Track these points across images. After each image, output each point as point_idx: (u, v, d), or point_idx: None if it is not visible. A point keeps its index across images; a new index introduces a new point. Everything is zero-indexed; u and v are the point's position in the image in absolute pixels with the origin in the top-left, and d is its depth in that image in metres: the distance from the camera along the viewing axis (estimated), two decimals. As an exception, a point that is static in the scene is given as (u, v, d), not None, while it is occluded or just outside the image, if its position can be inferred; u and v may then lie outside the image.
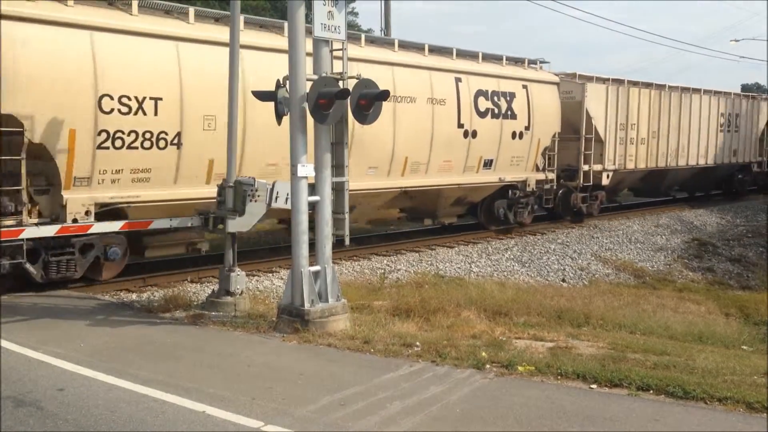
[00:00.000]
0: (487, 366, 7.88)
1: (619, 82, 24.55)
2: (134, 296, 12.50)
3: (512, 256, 18.97)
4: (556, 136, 21.37)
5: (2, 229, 10.68)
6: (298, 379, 7.50)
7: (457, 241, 19.59)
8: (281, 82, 9.80)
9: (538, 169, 21.20)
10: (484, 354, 8.23)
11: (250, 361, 8.23)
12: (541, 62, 21.62)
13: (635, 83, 25.50)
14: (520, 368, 7.76)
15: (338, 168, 9.85)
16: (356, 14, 63.00)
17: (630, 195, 30.79)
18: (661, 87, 26.46)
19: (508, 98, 19.41)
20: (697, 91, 28.44)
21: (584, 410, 6.61)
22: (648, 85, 25.99)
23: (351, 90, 9.46)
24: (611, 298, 15.19)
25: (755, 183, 33.82)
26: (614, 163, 23.85)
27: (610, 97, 23.53)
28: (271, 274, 14.75)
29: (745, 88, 71.96)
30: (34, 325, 9.85)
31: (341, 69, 9.73)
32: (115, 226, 11.85)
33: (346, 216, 10.01)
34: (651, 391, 7.07)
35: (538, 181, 21.12)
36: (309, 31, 9.47)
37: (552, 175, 21.63)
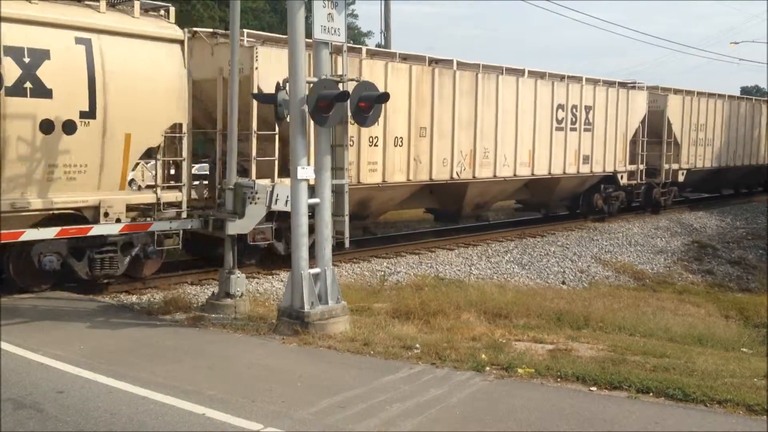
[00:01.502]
0: (487, 368, 7.89)
1: (354, 50, 16.16)
2: (134, 298, 12.50)
3: (512, 259, 18.97)
4: (184, 129, 12.84)
5: (3, 231, 10.69)
6: (298, 382, 7.50)
7: (457, 244, 19.58)
8: (281, 85, 9.82)
9: (140, 188, 13.93)
10: (483, 356, 8.23)
11: (249, 363, 8.23)
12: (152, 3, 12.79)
13: (388, 54, 17.61)
14: (519, 370, 7.76)
15: (338, 170, 9.86)
16: (356, 16, 63.12)
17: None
18: (445, 62, 18.21)
19: (26, 60, 10.88)
20: (514, 71, 20.27)
21: (584, 412, 6.61)
22: (415, 58, 17.64)
23: (351, 92, 9.47)
24: (611, 301, 15.19)
25: (631, 200, 25.80)
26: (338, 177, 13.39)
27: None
28: (270, 277, 14.74)
29: (745, 90, 72.03)
30: (34, 327, 9.85)
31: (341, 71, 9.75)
32: (115, 228, 11.83)
33: (346, 218, 10.02)
34: (651, 394, 7.07)
35: (132, 207, 12.65)
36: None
37: (173, 195, 12.88)
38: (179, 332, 9.82)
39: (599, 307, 13.86)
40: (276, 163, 14.25)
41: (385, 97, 9.81)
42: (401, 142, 16.97)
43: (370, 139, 16.27)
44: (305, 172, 9.37)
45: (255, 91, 13.59)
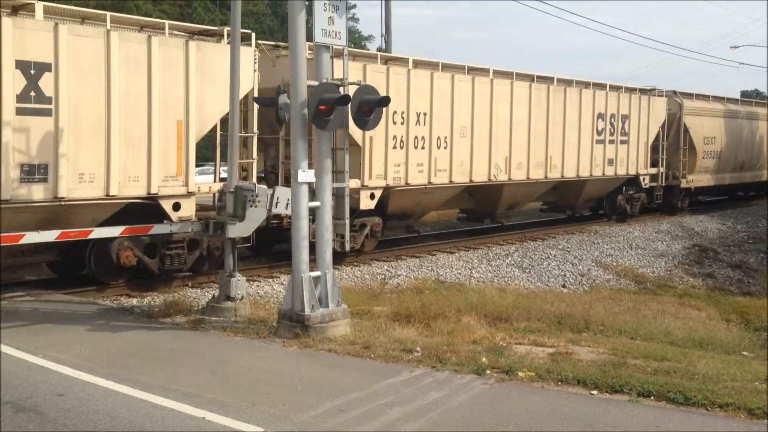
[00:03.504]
0: (488, 372, 7.87)
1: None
2: (134, 301, 12.49)
3: (513, 262, 18.96)
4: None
5: (3, 234, 10.68)
6: (299, 385, 7.49)
7: (457, 247, 19.57)
8: (282, 88, 9.82)
9: None
10: (484, 359, 8.22)
11: (250, 366, 8.23)
12: None
13: None
14: (520, 374, 7.75)
15: (339, 174, 9.86)
16: (357, 20, 63.29)
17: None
18: None
19: None
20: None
21: (585, 416, 6.60)
22: None
23: (351, 96, 9.48)
24: (612, 304, 15.17)
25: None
26: None
27: None
28: (271, 280, 14.73)
29: (745, 94, 71.95)
30: (34, 329, 9.85)
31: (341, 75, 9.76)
32: (115, 231, 11.82)
33: (347, 221, 10.02)
34: (652, 397, 7.06)
35: None
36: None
37: None
38: (179, 335, 9.82)
39: (600, 310, 13.83)
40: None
41: (385, 100, 9.82)
42: None
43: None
44: (306, 175, 9.37)
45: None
